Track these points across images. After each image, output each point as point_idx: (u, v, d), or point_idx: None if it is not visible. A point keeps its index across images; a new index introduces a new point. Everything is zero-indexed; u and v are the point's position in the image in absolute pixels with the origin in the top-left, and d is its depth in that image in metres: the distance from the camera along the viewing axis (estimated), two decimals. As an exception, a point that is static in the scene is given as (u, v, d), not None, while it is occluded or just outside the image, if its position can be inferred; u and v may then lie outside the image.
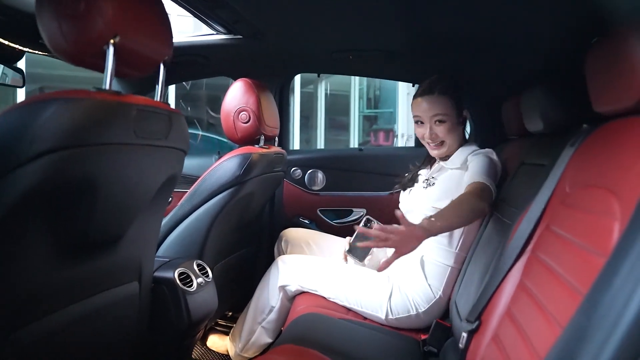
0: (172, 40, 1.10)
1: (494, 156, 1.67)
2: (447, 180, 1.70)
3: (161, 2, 1.07)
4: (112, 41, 0.90)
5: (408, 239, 1.25)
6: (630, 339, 0.54)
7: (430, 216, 1.34)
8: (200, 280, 1.48)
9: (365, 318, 1.69)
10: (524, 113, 1.56)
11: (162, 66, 1.12)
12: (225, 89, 1.94)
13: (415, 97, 1.79)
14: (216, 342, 2.07)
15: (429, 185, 1.73)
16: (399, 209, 1.86)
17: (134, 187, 1.07)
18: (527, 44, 1.63)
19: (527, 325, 0.90)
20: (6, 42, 1.62)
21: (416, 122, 1.78)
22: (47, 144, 0.80)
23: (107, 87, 0.92)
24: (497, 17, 1.48)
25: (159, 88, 1.13)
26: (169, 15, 1.10)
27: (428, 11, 1.51)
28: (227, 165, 1.71)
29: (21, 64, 1.88)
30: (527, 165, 1.49)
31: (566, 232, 0.91)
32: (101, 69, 0.94)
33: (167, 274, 1.40)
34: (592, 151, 0.98)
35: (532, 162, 1.45)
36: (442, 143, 1.74)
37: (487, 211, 1.48)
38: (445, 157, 1.79)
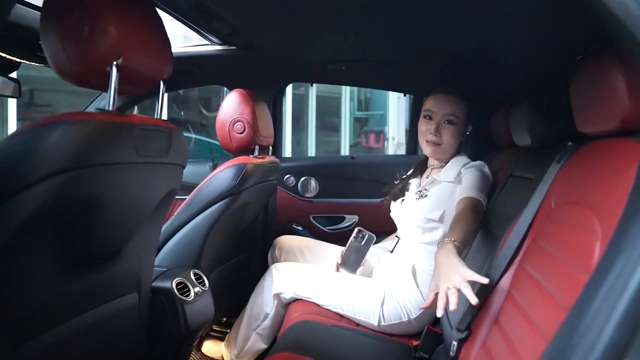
0: (172, 58, 1.13)
1: (486, 169, 1.71)
2: (439, 192, 1.73)
3: (162, 22, 1.10)
4: (115, 62, 0.93)
5: (454, 276, 1.10)
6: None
7: (446, 239, 1.29)
8: (197, 289, 1.51)
9: (358, 324, 1.72)
10: (512, 127, 1.60)
11: (162, 83, 1.15)
12: (216, 90, 1.96)
13: (434, 93, 1.79)
14: (211, 348, 2.09)
15: (422, 197, 1.76)
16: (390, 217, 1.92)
17: (136, 203, 1.10)
18: (516, 57, 1.67)
19: (515, 336, 0.94)
20: (3, 55, 1.63)
21: (425, 116, 1.78)
22: (55, 166, 0.83)
23: (111, 108, 0.95)
24: (486, 31, 1.52)
25: (158, 105, 1.16)
26: (169, 38, 1.13)
27: (420, 24, 1.54)
28: (222, 175, 1.73)
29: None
30: (515, 178, 1.54)
31: (551, 246, 0.95)
32: (103, 88, 0.96)
33: (165, 284, 1.43)
34: (576, 169, 1.02)
35: (520, 175, 1.50)
36: (440, 145, 1.76)
37: (480, 225, 1.52)
38: (438, 169, 1.82)
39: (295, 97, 9.38)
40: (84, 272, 1.06)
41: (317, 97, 9.71)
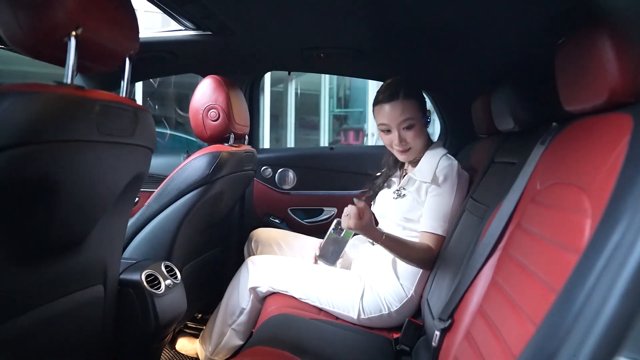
0: (138, 33, 1.07)
1: (458, 169, 1.66)
2: (416, 192, 1.68)
3: None
4: (73, 33, 0.86)
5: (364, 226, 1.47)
6: (609, 335, 0.54)
7: (386, 235, 1.51)
8: (168, 282, 1.44)
9: (337, 318, 1.67)
10: (494, 112, 1.57)
11: (127, 61, 1.08)
12: (194, 87, 1.90)
13: (377, 103, 1.68)
14: (185, 345, 2.03)
15: (399, 196, 1.71)
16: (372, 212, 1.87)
17: (98, 186, 1.03)
18: (496, 42, 1.64)
19: (500, 323, 0.90)
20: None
21: (382, 130, 1.69)
22: (1, 141, 0.76)
23: (69, 81, 0.88)
24: (465, 16, 1.48)
25: (124, 84, 1.09)
26: (136, 11, 1.06)
27: (397, 9, 1.50)
28: (195, 164, 1.66)
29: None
30: (498, 164, 1.50)
31: (537, 229, 0.91)
32: (62, 62, 0.89)
33: (133, 277, 1.36)
34: (562, 149, 0.99)
35: (502, 160, 1.47)
36: (409, 149, 1.68)
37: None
38: (414, 163, 1.76)
39: (274, 95, 9.31)
40: (42, 261, 0.99)
41: (296, 94, 9.66)
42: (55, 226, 0.96)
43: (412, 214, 1.66)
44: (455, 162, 1.67)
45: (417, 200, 1.66)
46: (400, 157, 1.74)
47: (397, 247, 1.54)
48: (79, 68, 0.93)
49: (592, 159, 0.80)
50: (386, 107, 1.64)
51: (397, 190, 1.75)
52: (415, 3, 1.44)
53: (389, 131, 1.68)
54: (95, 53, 0.96)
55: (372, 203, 1.89)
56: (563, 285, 0.67)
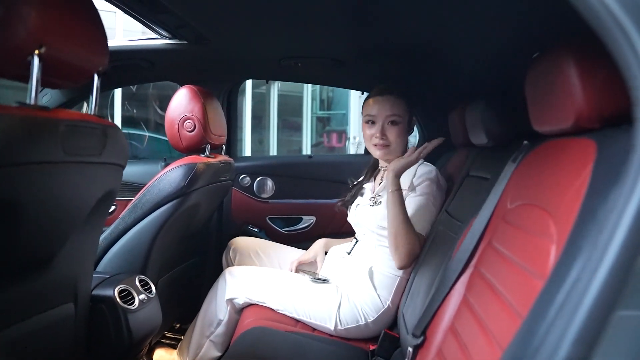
0: (107, 49, 1.04)
1: (438, 176, 1.68)
2: None
3: (95, 8, 1.01)
4: (36, 52, 0.84)
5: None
6: None
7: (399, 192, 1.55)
8: (142, 296, 1.42)
9: (314, 329, 1.67)
10: (468, 126, 1.58)
11: (96, 77, 1.06)
12: (173, 87, 1.87)
13: (369, 97, 1.77)
14: (163, 356, 2.00)
15: (376, 203, 1.72)
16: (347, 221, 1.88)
17: (65, 206, 1.01)
18: (472, 55, 1.65)
19: (469, 343, 0.90)
20: None
21: (367, 121, 1.75)
22: None
23: (32, 102, 0.86)
24: (443, 28, 1.49)
25: (92, 100, 1.07)
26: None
27: (375, 21, 1.50)
28: (171, 175, 1.64)
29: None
30: (472, 178, 1.51)
31: (506, 249, 0.91)
32: (26, 80, 0.87)
33: (106, 292, 1.34)
34: (531, 169, 1.00)
35: (476, 174, 1.47)
36: (388, 145, 1.72)
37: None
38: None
39: (256, 96, 9.28)
40: (8, 282, 0.96)
41: (279, 96, 9.64)
42: (21, 246, 0.94)
43: (386, 221, 1.65)
44: (434, 168, 1.70)
45: None
46: (376, 153, 1.76)
47: (401, 210, 1.53)
48: (46, 85, 0.91)
49: (557, 183, 0.80)
50: (378, 99, 1.73)
51: (372, 197, 1.76)
52: (393, 18, 1.44)
53: (373, 123, 1.74)
54: (61, 71, 0.94)
55: (347, 211, 1.90)
56: (528, 312, 0.67)
